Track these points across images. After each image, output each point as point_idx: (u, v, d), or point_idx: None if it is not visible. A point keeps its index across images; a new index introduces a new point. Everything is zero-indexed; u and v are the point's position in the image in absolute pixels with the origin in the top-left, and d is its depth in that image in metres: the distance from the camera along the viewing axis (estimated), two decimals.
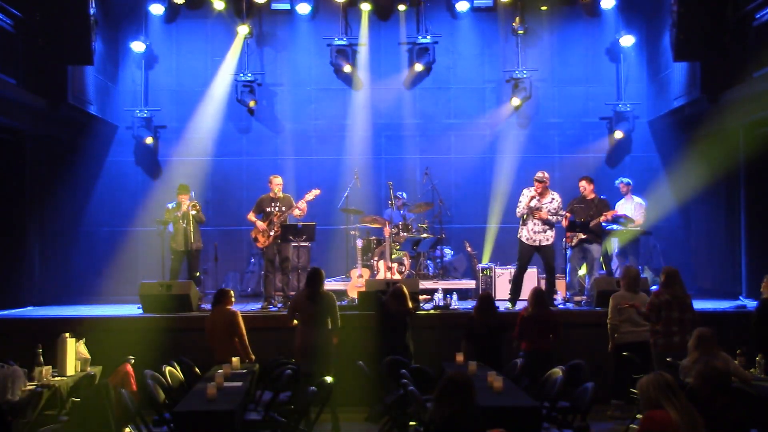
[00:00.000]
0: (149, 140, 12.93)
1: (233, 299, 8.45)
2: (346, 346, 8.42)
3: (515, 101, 12.98)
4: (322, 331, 7.90)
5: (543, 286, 10.18)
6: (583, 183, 10.68)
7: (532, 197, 10.02)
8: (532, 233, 10.00)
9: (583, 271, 10.80)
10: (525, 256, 10.12)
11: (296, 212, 10.35)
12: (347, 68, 12.96)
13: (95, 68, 11.94)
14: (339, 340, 8.21)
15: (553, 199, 10.10)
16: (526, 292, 9.24)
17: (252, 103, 12.76)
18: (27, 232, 11.18)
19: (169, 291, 9.91)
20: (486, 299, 8.45)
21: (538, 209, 9.95)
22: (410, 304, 8.40)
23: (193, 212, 10.62)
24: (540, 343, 8.09)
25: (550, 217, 9.97)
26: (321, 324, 7.92)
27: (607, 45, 13.44)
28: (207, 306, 10.47)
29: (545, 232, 10.01)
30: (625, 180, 11.66)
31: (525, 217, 10.03)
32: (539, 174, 10.12)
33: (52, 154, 11.91)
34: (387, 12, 13.22)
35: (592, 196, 10.60)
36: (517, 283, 10.18)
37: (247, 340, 8.15)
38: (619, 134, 12.97)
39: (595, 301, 9.68)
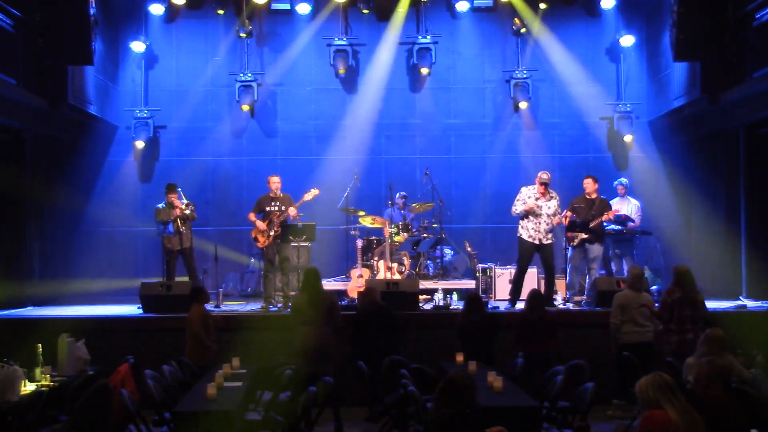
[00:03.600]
0: (140, 144, 12.89)
1: (207, 297, 8.38)
2: (346, 346, 8.40)
3: (519, 102, 12.95)
4: (323, 332, 7.81)
5: (542, 286, 10.20)
6: (588, 181, 10.66)
7: (537, 198, 10.00)
8: (534, 231, 9.99)
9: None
10: (526, 255, 10.12)
11: (292, 212, 10.33)
12: (347, 68, 12.95)
13: (95, 68, 11.93)
14: (338, 341, 8.07)
15: (551, 198, 10.11)
16: (525, 292, 9.22)
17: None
18: (27, 232, 11.17)
19: (169, 291, 9.91)
20: (473, 300, 8.45)
21: (539, 214, 9.95)
22: (378, 299, 8.39)
23: (187, 211, 10.61)
24: (537, 346, 8.07)
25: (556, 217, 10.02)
26: (321, 324, 7.83)
27: (607, 45, 13.45)
28: (208, 306, 10.49)
29: (549, 232, 10.03)
30: (624, 181, 11.67)
31: (523, 215, 10.04)
32: (545, 176, 10.08)
33: (52, 154, 11.90)
34: (387, 12, 13.21)
35: (594, 195, 10.60)
36: (517, 284, 10.17)
37: (206, 340, 8.03)
38: (628, 138, 12.89)
39: (595, 301, 9.68)
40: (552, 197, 10.11)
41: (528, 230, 10.03)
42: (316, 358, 7.68)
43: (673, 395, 4.18)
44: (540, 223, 10.01)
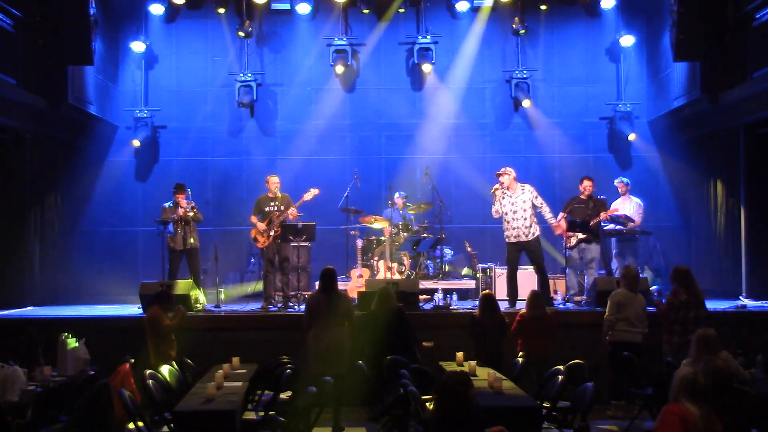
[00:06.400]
0: (139, 144, 12.90)
1: (169, 305, 8.23)
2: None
3: (519, 102, 12.94)
4: (339, 332, 7.74)
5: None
6: (586, 183, 10.67)
7: (500, 192, 9.97)
8: (513, 229, 9.97)
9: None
10: (511, 254, 10.10)
11: (292, 212, 10.32)
12: (347, 68, 12.96)
13: (95, 68, 11.93)
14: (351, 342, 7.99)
15: (523, 190, 10.06)
16: (524, 292, 9.20)
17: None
18: (27, 232, 11.17)
19: (168, 291, 9.87)
20: (488, 299, 8.42)
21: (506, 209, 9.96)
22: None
23: (191, 213, 10.60)
24: (537, 346, 8.07)
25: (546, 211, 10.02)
26: (337, 325, 7.77)
27: (607, 45, 13.44)
28: (209, 306, 10.50)
29: (529, 227, 9.97)
30: (625, 180, 11.65)
31: (504, 215, 10.01)
32: (501, 170, 10.10)
33: (52, 154, 11.90)
34: (387, 12, 13.18)
35: (590, 195, 10.60)
36: (512, 283, 10.14)
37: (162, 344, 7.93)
38: (632, 137, 12.87)
39: (595, 301, 9.67)
40: (524, 190, 10.07)
41: (507, 230, 10.01)
42: (331, 358, 7.64)
43: (697, 394, 4.18)
44: (517, 219, 9.96)
